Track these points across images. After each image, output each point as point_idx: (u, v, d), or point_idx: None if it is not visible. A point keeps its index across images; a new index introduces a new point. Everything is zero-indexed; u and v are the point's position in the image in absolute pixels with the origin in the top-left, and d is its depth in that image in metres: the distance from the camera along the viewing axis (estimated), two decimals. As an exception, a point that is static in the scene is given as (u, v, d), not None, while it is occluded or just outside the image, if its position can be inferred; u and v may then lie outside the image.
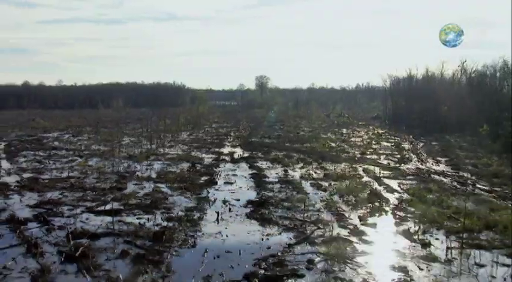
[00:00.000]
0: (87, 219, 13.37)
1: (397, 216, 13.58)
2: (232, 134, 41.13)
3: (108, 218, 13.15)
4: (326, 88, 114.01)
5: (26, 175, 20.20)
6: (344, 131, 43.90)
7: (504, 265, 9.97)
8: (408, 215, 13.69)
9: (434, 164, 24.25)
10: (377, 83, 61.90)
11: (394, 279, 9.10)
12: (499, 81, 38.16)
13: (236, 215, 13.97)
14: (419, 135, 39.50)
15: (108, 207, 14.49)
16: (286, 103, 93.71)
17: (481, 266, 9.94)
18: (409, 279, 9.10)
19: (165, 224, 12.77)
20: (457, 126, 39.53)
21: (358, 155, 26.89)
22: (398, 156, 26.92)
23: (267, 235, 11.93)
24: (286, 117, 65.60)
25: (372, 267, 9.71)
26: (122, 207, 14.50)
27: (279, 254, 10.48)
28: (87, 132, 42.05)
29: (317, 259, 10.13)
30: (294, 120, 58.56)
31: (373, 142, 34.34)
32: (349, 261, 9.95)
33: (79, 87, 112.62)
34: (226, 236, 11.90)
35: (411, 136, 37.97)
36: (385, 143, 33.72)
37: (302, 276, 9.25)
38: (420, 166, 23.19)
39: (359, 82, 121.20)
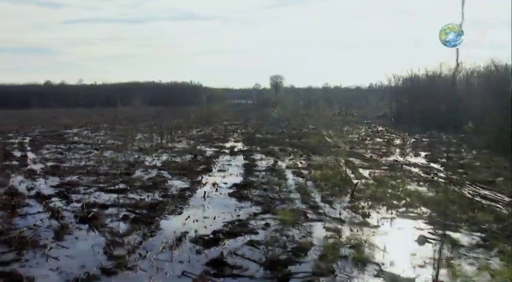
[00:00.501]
0: (98, 195, 16.62)
1: (354, 196, 16.42)
2: (239, 130, 44.14)
3: (116, 195, 16.37)
4: (340, 87, 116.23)
5: (49, 164, 23.65)
6: (346, 128, 46.49)
7: (419, 228, 12.78)
8: (363, 196, 16.53)
9: (413, 156, 26.90)
10: (388, 82, 64.36)
11: (326, 236, 12.02)
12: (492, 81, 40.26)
13: (220, 193, 17.07)
14: (416, 132, 41.87)
15: (116, 187, 17.70)
16: (298, 102, 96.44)
17: (401, 229, 12.80)
18: (337, 236, 11.99)
19: (160, 199, 15.93)
20: (453, 124, 41.81)
21: (348, 149, 29.62)
22: (384, 150, 29.57)
23: (240, 207, 14.98)
24: (295, 115, 68.42)
25: (313, 229, 12.66)
26: (127, 187, 17.75)
27: (245, 219, 13.51)
28: (104, 128, 45.65)
29: (273, 223, 13.13)
30: (301, 118, 61.28)
31: (368, 138, 36.97)
32: (297, 225, 12.91)
33: (99, 86, 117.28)
34: (208, 207, 14.98)
35: (407, 133, 40.37)
36: (378, 139, 36.30)
37: (257, 233, 12.25)
38: (399, 158, 25.87)
39: (372, 82, 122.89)
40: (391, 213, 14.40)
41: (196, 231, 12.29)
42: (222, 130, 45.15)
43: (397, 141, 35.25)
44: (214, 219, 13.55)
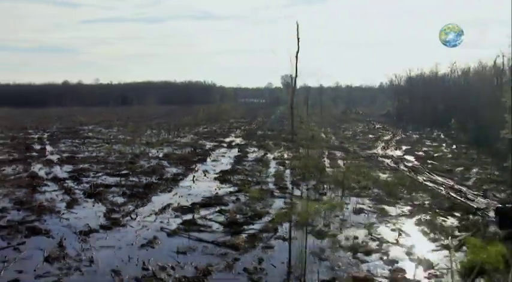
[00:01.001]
0: (104, 178, 19.98)
1: (321, 180, 19.42)
2: (242, 127, 47.32)
3: (119, 178, 19.68)
4: (351, 86, 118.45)
5: (64, 154, 27.14)
6: (344, 125, 49.27)
7: (362, 203, 15.73)
8: (329, 180, 19.50)
9: (393, 150, 29.71)
10: (390, 82, 66.76)
11: (282, 207, 15.07)
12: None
13: (207, 178, 20.27)
14: (411, 129, 44.48)
15: (120, 172, 21.03)
16: (306, 101, 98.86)
17: (347, 203, 15.76)
18: (291, 208, 15.02)
19: (155, 181, 19.19)
20: (447, 122, 44.24)
21: (336, 144, 32.56)
22: (370, 145, 32.42)
23: (220, 188, 18.13)
24: (301, 113, 71.20)
25: (275, 203, 15.74)
26: (129, 172, 21.07)
27: (221, 196, 16.66)
28: (117, 125, 49.26)
29: (243, 198, 16.24)
30: (308, 117, 64.05)
31: (361, 134, 39.81)
32: (262, 200, 15.99)
33: (115, 85, 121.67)
34: (193, 188, 18.18)
35: (400, 130, 43.02)
36: (370, 135, 39.13)
37: (227, 205, 15.38)
38: (378, 152, 28.73)
39: (383, 81, 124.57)
40: (346, 193, 17.35)
41: (178, 203, 15.48)
42: (227, 127, 48.37)
43: (387, 137, 37.98)
44: (196, 195, 16.72)
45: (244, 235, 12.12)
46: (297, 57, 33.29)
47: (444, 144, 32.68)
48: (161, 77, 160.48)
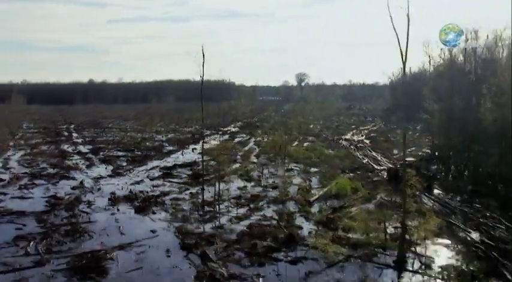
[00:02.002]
0: (116, 152, 26.91)
1: (278, 154, 25.79)
2: (244, 120, 53.80)
3: (126, 152, 26.55)
4: (363, 84, 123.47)
5: (87, 139, 34.27)
6: (338, 118, 55.27)
7: (298, 168, 22.07)
8: (286, 155, 25.84)
9: (359, 136, 35.81)
10: (387, 80, 71.93)
11: (237, 168, 21.59)
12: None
13: (194, 152, 26.97)
14: (396, 122, 50.18)
15: (128, 149, 27.95)
16: (317, 98, 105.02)
17: (290, 170, 22.09)
18: (244, 167, 21.49)
19: (153, 154, 26.02)
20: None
21: (316, 131, 38.78)
22: (344, 132, 38.56)
23: (199, 158, 24.77)
24: (306, 109, 77.44)
25: (234, 165, 22.25)
26: (135, 149, 27.94)
27: (196, 161, 23.32)
28: (134, 119, 56.51)
29: (212, 162, 22.83)
30: (311, 111, 70.18)
31: (345, 125, 45.89)
32: (226, 164, 22.52)
33: (137, 84, 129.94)
34: (180, 157, 24.92)
35: (384, 122, 48.83)
36: (353, 126, 45.18)
37: (198, 165, 21.99)
38: (345, 137, 34.87)
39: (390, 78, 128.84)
40: (294, 161, 23.69)
41: (165, 166, 22.22)
42: (230, 120, 54.96)
43: (365, 127, 43.97)
44: (179, 162, 23.44)
45: (200, 180, 18.74)
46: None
47: (410, 133, 38.34)
48: (182, 75, 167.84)
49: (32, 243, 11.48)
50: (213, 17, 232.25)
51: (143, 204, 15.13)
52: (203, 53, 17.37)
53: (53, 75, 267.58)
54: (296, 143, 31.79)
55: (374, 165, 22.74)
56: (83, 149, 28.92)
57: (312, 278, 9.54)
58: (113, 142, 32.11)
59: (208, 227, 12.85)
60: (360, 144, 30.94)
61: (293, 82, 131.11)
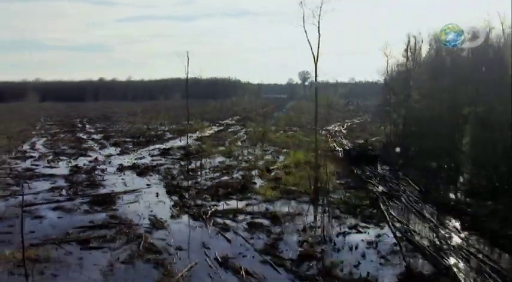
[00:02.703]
0: (124, 139, 32.09)
1: (261, 140, 30.74)
2: (243, 115, 58.80)
3: (133, 138, 31.76)
4: (364, 82, 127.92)
5: (99, 129, 39.55)
6: (331, 113, 59.91)
7: (272, 149, 27.03)
8: (267, 140, 30.79)
9: (340, 127, 40.63)
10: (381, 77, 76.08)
11: (222, 150, 26.63)
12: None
13: (190, 139, 32.06)
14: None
15: (134, 136, 33.17)
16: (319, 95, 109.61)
17: (266, 150, 27.07)
18: (229, 148, 26.52)
19: (155, 139, 31.17)
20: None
21: (304, 124, 43.65)
22: (327, 124, 43.36)
23: (193, 143, 29.86)
24: (304, 105, 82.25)
25: (219, 148, 27.29)
26: (140, 136, 33.15)
27: (191, 145, 28.39)
28: (141, 113, 61.81)
29: (193, 147, 27.87)
30: (308, 108, 74.85)
31: (333, 118, 50.64)
32: (213, 147, 27.56)
33: (145, 82, 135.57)
34: (178, 142, 30.02)
35: (371, 116, 53.54)
36: (339, 119, 49.95)
37: (191, 147, 27.06)
38: (327, 127, 39.68)
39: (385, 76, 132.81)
40: (272, 145, 28.61)
41: (163, 148, 27.33)
42: (230, 115, 60.04)
43: (351, 120, 48.73)
44: (177, 145, 28.53)
45: (190, 156, 23.80)
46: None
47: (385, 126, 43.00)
48: (190, 74, 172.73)
49: (63, 190, 16.62)
50: (221, 15, 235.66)
51: (143, 171, 20.22)
52: (188, 56, 22.18)
53: (60, 74, 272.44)
54: (281, 132, 36.67)
55: (337, 146, 27.63)
56: (96, 136, 34.19)
57: (250, 206, 14.51)
58: (121, 131, 37.36)
59: (187, 183, 17.87)
60: (337, 133, 35.76)
61: (297, 80, 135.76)
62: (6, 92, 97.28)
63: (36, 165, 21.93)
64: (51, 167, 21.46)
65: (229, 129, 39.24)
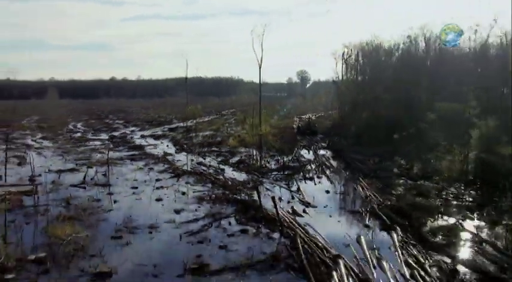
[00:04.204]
0: (139, 122, 43.45)
1: (242, 123, 41.87)
2: (239, 108, 69.93)
3: (146, 123, 43.17)
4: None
5: (120, 117, 51.03)
6: (315, 107, 71.01)
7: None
8: (245, 124, 41.91)
9: (312, 116, 51.71)
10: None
11: (212, 129, 37.86)
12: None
13: (191, 123, 43.39)
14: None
15: (147, 122, 44.60)
16: (312, 93, 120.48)
17: (244, 128, 38.26)
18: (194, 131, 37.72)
19: (163, 122, 42.54)
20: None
21: (284, 112, 54.76)
22: (303, 114, 54.48)
23: (194, 124, 41.18)
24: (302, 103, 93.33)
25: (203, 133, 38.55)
26: (152, 121, 44.52)
27: (190, 126, 39.69)
28: (152, 108, 73.30)
29: (192, 126, 39.13)
30: (302, 104, 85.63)
31: (310, 110, 61.76)
32: (208, 127, 38.77)
33: (153, 81, 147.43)
34: (181, 124, 41.38)
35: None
36: (322, 111, 60.89)
37: (191, 126, 38.33)
38: (301, 116, 50.77)
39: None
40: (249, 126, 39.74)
41: (171, 127, 38.64)
42: (227, 109, 71.25)
43: (327, 112, 59.65)
44: (180, 126, 39.83)
45: (189, 131, 35.04)
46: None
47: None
48: (195, 73, 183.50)
49: (110, 144, 27.89)
50: (226, 14, 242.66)
51: (158, 137, 31.54)
52: (186, 60, 33.20)
53: (64, 73, 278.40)
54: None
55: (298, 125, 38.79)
56: (119, 121, 45.54)
57: (221, 149, 25.67)
58: (138, 119, 48.70)
59: (186, 141, 29.03)
60: (306, 118, 46.76)
61: (296, 79, 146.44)
62: (26, 91, 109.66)
63: (85, 135, 33.24)
64: (96, 136, 32.75)
65: (223, 117, 50.44)
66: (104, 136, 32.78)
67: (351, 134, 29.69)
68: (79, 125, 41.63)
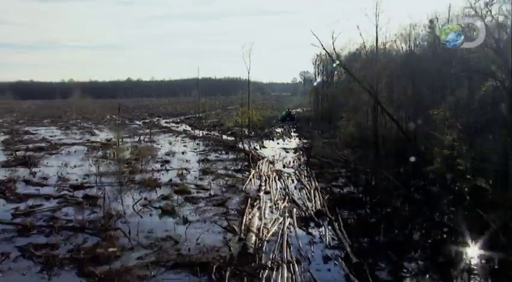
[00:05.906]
0: (161, 114, 56.23)
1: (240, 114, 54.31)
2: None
3: (166, 114, 55.96)
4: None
5: (143, 112, 63.91)
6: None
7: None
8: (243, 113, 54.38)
9: (301, 109, 64.05)
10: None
11: (216, 118, 50.47)
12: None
13: (201, 114, 56.11)
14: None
15: (163, 114, 57.39)
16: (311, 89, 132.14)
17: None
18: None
19: (178, 112, 55.30)
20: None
21: (278, 107, 67.14)
22: (294, 108, 66.85)
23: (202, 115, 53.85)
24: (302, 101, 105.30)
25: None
26: (169, 113, 57.28)
27: (200, 116, 52.38)
28: (169, 105, 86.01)
29: (203, 116, 51.77)
30: (300, 101, 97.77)
31: (302, 106, 74.13)
32: (214, 116, 51.33)
33: (167, 81, 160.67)
34: (194, 115, 54.13)
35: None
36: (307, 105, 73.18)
37: (192, 120, 50.98)
38: (291, 109, 63.10)
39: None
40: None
41: (186, 117, 51.33)
42: (233, 104, 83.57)
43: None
44: (193, 116, 52.53)
45: (200, 119, 47.71)
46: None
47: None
48: (206, 73, 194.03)
49: (142, 125, 40.48)
50: (241, 14, 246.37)
51: (177, 122, 44.11)
52: (198, 68, 45.58)
53: (79, 74, 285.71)
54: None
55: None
56: (145, 114, 58.23)
57: (222, 129, 38.10)
58: (159, 111, 61.35)
59: (198, 124, 41.48)
60: (294, 111, 58.85)
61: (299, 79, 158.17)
62: (51, 91, 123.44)
63: (124, 122, 45.85)
64: (132, 123, 45.35)
65: (228, 111, 62.93)
66: (138, 123, 45.44)
67: (314, 119, 42.25)
68: (114, 116, 54.24)
